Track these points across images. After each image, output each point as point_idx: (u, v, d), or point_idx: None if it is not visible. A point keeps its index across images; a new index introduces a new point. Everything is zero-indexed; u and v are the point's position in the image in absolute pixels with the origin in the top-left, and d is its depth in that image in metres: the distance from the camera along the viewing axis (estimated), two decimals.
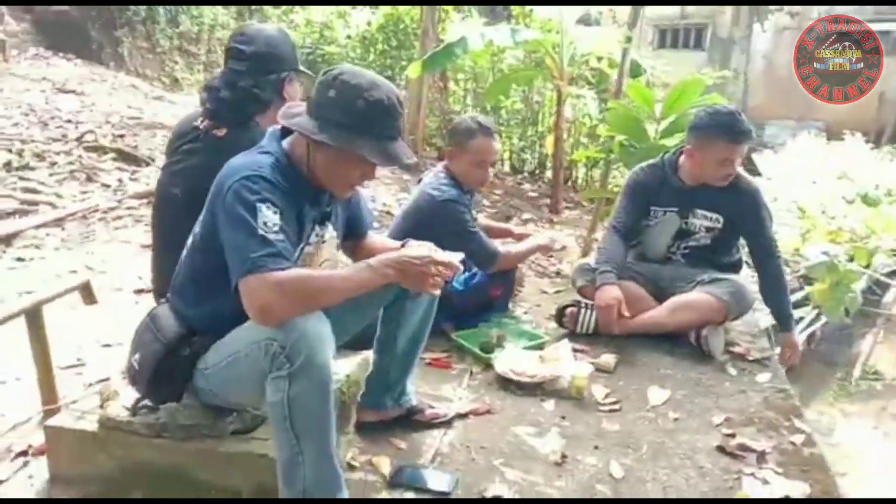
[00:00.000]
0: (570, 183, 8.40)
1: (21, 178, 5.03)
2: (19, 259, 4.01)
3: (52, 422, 1.93)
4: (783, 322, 2.92)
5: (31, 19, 9.62)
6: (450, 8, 8.08)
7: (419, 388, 2.37)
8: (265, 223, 1.53)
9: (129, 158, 6.02)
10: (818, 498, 1.83)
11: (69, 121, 6.53)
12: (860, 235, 6.49)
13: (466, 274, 3.18)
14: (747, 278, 3.04)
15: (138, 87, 9.39)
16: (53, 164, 5.46)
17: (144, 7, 10.43)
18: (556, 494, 1.87)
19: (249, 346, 1.58)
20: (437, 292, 1.79)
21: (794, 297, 5.94)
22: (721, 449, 2.08)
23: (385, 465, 1.97)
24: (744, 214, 2.95)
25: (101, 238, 4.58)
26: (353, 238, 2.02)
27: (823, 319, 5.91)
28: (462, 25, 7.88)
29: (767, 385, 2.54)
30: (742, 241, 3.09)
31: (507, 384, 2.49)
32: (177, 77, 11.02)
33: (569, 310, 2.99)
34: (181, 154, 2.16)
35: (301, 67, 2.23)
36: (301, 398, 1.52)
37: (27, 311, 2.12)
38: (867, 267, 6.04)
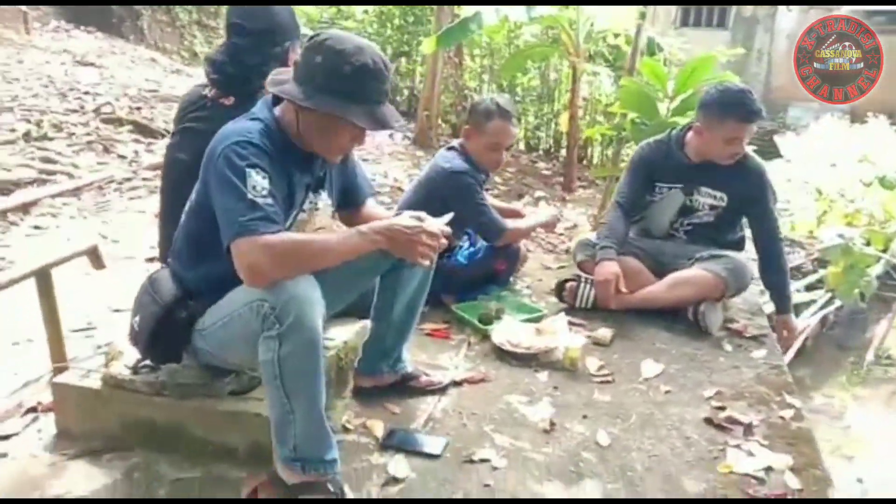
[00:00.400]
0: (585, 161, 8.36)
1: (39, 149, 5.11)
2: (36, 227, 4.11)
3: (59, 379, 2.01)
4: (781, 304, 2.92)
5: None
6: None
7: (418, 357, 2.43)
8: (254, 187, 1.57)
9: (145, 130, 6.10)
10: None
11: (87, 93, 6.61)
12: (878, 219, 6.41)
13: (471, 248, 3.23)
14: (748, 256, 3.04)
15: (157, 61, 9.47)
16: (71, 135, 5.54)
17: None
18: (542, 460, 1.92)
19: (242, 308, 1.63)
20: (427, 263, 1.83)
21: (807, 280, 5.96)
22: (709, 421, 2.11)
23: (378, 428, 2.03)
24: (749, 194, 2.94)
25: (116, 208, 4.67)
26: (350, 207, 2.04)
27: (837, 303, 5.87)
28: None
29: (762, 361, 2.56)
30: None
31: (503, 355, 2.54)
32: (196, 51, 11.06)
33: (568, 284, 3.02)
34: (189, 121, 2.21)
35: (302, 31, 2.25)
36: (291, 358, 1.57)
37: (37, 273, 2.19)
38: (884, 251, 5.97)
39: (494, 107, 2.94)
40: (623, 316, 2.87)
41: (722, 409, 2.18)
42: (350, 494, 1.72)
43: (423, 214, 1.81)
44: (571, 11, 6.62)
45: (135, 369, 1.91)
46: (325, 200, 1.90)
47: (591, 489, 1.81)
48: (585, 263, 3.06)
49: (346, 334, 2.26)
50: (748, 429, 2.07)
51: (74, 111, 6.05)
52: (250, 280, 1.58)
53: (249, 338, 1.61)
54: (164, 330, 1.78)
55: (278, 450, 1.69)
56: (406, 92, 9.52)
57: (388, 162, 6.67)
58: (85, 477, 1.81)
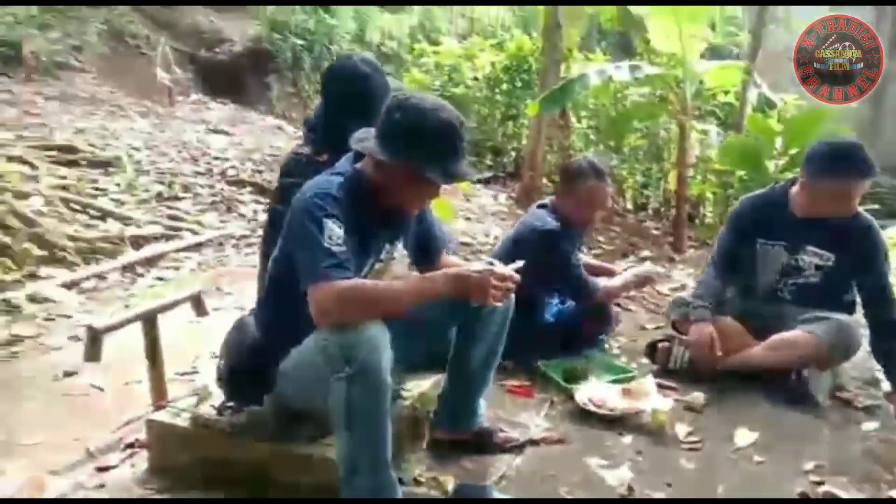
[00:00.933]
0: (696, 221, 8.08)
1: (169, 208, 5.62)
2: (160, 278, 4.47)
3: (153, 417, 2.15)
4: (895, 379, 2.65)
5: (193, 68, 10.77)
6: (573, 48, 8.13)
7: (497, 414, 2.40)
8: (330, 237, 1.67)
9: (265, 192, 6.52)
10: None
11: (216, 157, 7.21)
12: None
13: (559, 307, 3.18)
14: (859, 320, 2.80)
15: (283, 129, 10.18)
16: (197, 195, 6.05)
17: (291, 55, 11.37)
18: None
19: (315, 352, 1.71)
20: (501, 304, 1.83)
21: None
22: (804, 496, 1.94)
23: (449, 483, 2.02)
24: (858, 255, 2.73)
25: (233, 262, 5.00)
26: (428, 259, 2.10)
27: None
28: (584, 65, 7.90)
29: (873, 434, 2.33)
30: None
31: (587, 416, 2.45)
32: None
33: (660, 345, 2.90)
34: (287, 177, 2.38)
35: (392, 89, 2.36)
36: (358, 401, 1.62)
37: (143, 317, 2.38)
38: None
39: (587, 166, 2.93)
40: (718, 379, 2.71)
41: (821, 483, 2.00)
42: None
43: (493, 260, 1.84)
44: (678, 70, 6.56)
45: (220, 410, 2.01)
46: (401, 251, 1.96)
47: None
48: (679, 323, 2.94)
49: (421, 386, 2.27)
50: None
51: (202, 174, 6.61)
52: (324, 325, 1.66)
53: (321, 380, 1.68)
54: (246, 373, 1.88)
55: (345, 494, 1.72)
56: (513, 154, 9.67)
57: (489, 221, 6.76)
58: None
